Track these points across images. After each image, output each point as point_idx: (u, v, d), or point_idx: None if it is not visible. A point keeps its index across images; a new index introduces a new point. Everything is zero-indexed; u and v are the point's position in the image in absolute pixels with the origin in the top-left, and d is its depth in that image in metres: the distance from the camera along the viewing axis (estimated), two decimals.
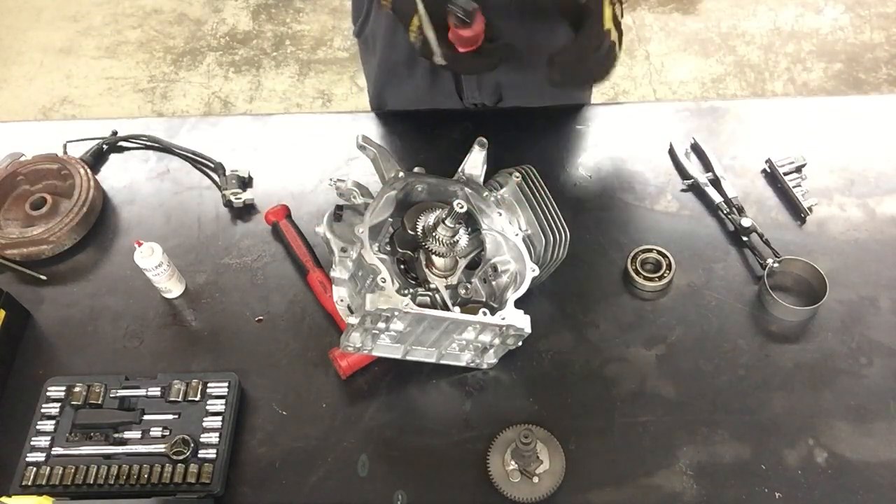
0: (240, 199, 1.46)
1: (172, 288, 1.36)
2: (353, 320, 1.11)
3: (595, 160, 1.50)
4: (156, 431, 1.19)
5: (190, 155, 1.58)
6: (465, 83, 1.55)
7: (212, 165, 1.55)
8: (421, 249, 1.17)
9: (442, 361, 1.22)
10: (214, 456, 1.17)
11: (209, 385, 1.23)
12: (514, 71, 1.32)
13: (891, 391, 1.19)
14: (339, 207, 1.23)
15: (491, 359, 1.22)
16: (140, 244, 1.28)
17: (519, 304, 1.13)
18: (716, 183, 1.43)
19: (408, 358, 1.20)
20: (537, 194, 1.22)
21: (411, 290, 1.17)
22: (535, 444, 1.09)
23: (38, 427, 1.20)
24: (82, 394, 1.22)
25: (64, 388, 1.23)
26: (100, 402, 1.22)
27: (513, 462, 1.12)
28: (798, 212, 1.39)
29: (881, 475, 1.11)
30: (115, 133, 1.62)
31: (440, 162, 1.28)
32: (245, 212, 1.47)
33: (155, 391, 1.23)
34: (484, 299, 1.20)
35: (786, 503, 1.10)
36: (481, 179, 1.24)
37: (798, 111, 1.56)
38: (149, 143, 1.62)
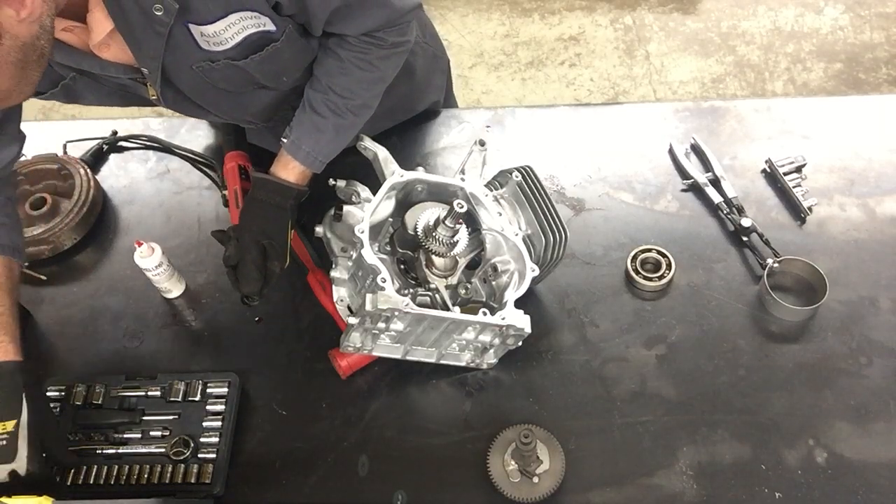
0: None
1: (172, 288, 1.36)
2: (353, 320, 1.10)
3: (595, 160, 1.50)
4: (156, 431, 1.19)
5: (190, 155, 1.58)
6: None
7: (212, 165, 1.55)
8: (421, 249, 1.17)
9: (442, 361, 1.22)
10: (214, 456, 1.17)
11: (209, 385, 1.23)
12: None
13: (891, 391, 1.19)
14: (339, 207, 1.23)
15: (491, 359, 1.22)
16: (140, 244, 1.28)
17: (519, 304, 1.13)
18: (716, 183, 1.43)
19: (408, 358, 1.20)
20: (537, 194, 1.22)
21: (411, 290, 1.16)
22: (535, 444, 1.08)
23: None
24: (82, 394, 1.22)
25: (64, 388, 1.23)
26: (100, 402, 1.22)
27: (513, 462, 1.12)
28: (798, 212, 1.39)
29: (881, 475, 1.11)
30: (115, 133, 1.62)
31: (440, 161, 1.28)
32: None
33: (155, 391, 1.23)
34: (484, 299, 1.19)
35: (786, 503, 1.10)
36: (481, 179, 1.24)
37: (798, 111, 1.56)
38: (149, 143, 1.62)
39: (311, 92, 1.24)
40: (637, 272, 1.32)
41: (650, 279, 1.31)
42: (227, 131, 1.51)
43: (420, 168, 1.21)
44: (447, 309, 1.14)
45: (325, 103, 1.22)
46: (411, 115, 1.59)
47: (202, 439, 1.18)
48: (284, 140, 1.25)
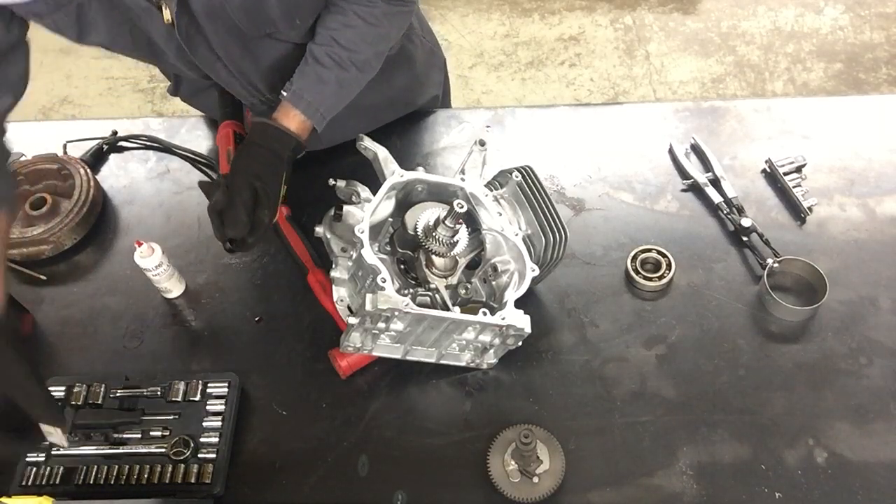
0: None
1: (172, 288, 1.36)
2: (353, 320, 1.10)
3: (595, 160, 1.50)
4: (156, 431, 1.19)
5: (190, 155, 1.58)
6: None
7: (212, 165, 1.55)
8: (421, 249, 1.17)
9: (442, 361, 1.22)
10: (214, 456, 1.17)
11: (209, 385, 1.23)
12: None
13: (891, 391, 1.19)
14: (339, 207, 1.23)
15: (491, 359, 1.22)
16: (140, 244, 1.28)
17: (519, 304, 1.13)
18: (716, 183, 1.43)
19: (408, 358, 1.20)
20: (537, 194, 1.22)
21: (411, 290, 1.16)
22: (535, 444, 1.09)
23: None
24: (82, 394, 1.22)
25: (64, 388, 1.23)
26: (100, 402, 1.22)
27: (513, 462, 1.12)
28: (798, 212, 1.39)
29: (881, 475, 1.11)
30: (115, 133, 1.62)
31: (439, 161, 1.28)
32: None
33: (155, 391, 1.23)
34: (484, 299, 1.20)
35: (786, 503, 1.10)
36: (481, 179, 1.24)
37: (798, 111, 1.56)
38: (149, 143, 1.62)
39: (314, 46, 1.24)
40: (637, 272, 1.32)
41: (650, 279, 1.31)
42: (225, 104, 1.49)
43: (420, 168, 1.21)
44: (447, 309, 1.14)
45: (328, 55, 1.22)
46: (412, 109, 1.59)
47: (202, 439, 1.18)
48: (285, 93, 1.24)
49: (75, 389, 1.22)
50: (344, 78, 1.24)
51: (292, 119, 1.23)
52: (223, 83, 1.34)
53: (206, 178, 1.55)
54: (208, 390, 1.22)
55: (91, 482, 1.15)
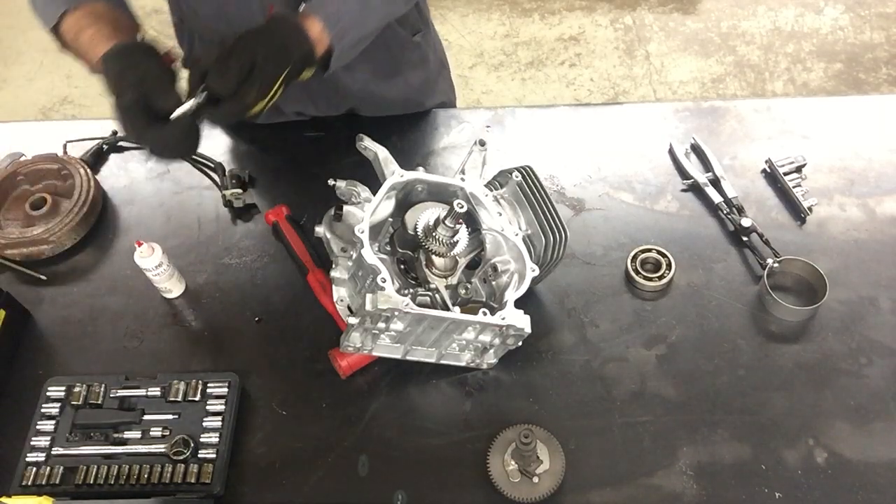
0: (240, 199, 1.46)
1: (172, 288, 1.36)
2: (353, 320, 1.10)
3: (595, 160, 1.50)
4: (156, 431, 1.19)
5: None
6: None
7: (212, 165, 1.55)
8: (421, 249, 1.17)
9: (442, 361, 1.22)
10: (214, 456, 1.17)
11: (209, 385, 1.23)
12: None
13: (891, 391, 1.19)
14: (339, 207, 1.23)
15: (491, 359, 1.22)
16: (140, 244, 1.28)
17: (519, 304, 1.13)
18: (716, 183, 1.43)
19: (408, 358, 1.20)
20: (537, 194, 1.22)
21: (411, 290, 1.16)
22: (535, 444, 1.09)
23: (38, 427, 1.20)
24: (82, 394, 1.22)
25: (64, 388, 1.23)
26: (100, 402, 1.22)
27: (513, 462, 1.12)
28: (798, 212, 1.39)
29: (881, 475, 1.11)
30: (115, 133, 1.62)
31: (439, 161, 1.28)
32: (245, 212, 1.47)
33: (155, 391, 1.23)
34: (484, 299, 1.19)
35: (786, 503, 1.10)
36: (481, 179, 1.24)
37: (798, 111, 1.56)
38: None
39: None
40: (637, 272, 1.32)
41: (650, 279, 1.31)
42: None
43: (420, 168, 1.21)
44: (447, 309, 1.14)
45: None
46: (419, 110, 1.61)
47: (202, 439, 1.18)
48: (304, 4, 1.17)
49: (75, 389, 1.22)
50: None
51: (311, 25, 1.14)
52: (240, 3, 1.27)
53: (207, 172, 1.55)
54: (208, 390, 1.22)
55: (91, 482, 1.15)
